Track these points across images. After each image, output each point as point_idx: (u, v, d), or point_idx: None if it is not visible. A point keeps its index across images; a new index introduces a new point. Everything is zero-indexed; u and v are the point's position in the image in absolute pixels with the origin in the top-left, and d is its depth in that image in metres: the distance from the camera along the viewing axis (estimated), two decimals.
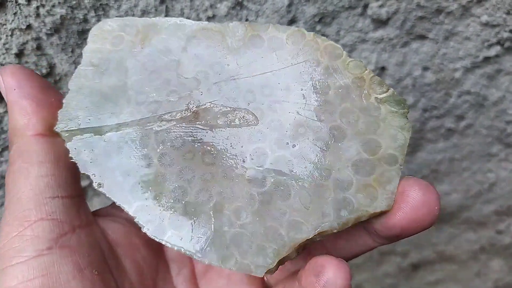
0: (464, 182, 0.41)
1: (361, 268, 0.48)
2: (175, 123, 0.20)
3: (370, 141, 0.20)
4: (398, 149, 0.19)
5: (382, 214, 0.19)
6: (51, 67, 0.28)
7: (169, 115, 0.21)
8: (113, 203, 0.21)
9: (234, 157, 0.20)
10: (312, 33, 0.21)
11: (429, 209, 0.18)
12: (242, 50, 0.21)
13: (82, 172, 0.20)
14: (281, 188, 0.20)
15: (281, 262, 0.19)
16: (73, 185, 0.21)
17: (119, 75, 0.21)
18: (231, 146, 0.20)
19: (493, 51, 0.32)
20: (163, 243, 0.19)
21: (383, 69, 0.33)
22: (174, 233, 0.19)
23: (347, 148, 0.20)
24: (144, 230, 0.19)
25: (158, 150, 0.20)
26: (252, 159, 0.20)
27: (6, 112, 0.29)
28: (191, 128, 0.20)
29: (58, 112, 0.20)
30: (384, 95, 0.20)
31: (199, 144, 0.20)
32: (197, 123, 0.20)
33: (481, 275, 0.49)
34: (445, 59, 0.32)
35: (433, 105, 0.35)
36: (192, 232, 0.19)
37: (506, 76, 0.34)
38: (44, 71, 0.27)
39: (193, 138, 0.20)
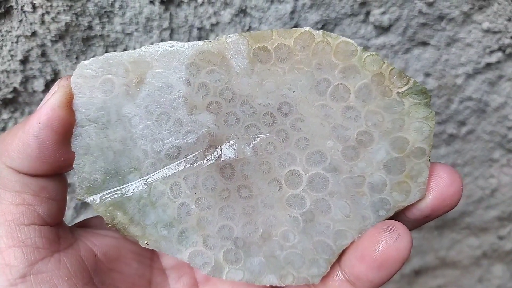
0: (466, 188, 0.41)
1: None
2: (201, 165, 0.20)
3: (398, 139, 0.20)
4: (425, 140, 0.20)
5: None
6: (56, 73, 0.28)
7: (192, 157, 0.20)
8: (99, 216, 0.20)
9: (269, 185, 0.20)
10: (321, 32, 0.19)
11: (456, 188, 0.19)
12: (249, 69, 0.19)
13: (124, 235, 0.20)
14: (321, 204, 0.20)
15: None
16: (54, 216, 0.19)
17: (124, 126, 0.20)
18: (264, 174, 0.20)
19: (494, 57, 0.32)
20: (223, 279, 0.21)
21: None
22: (231, 267, 0.21)
23: (376, 151, 0.20)
24: (203, 271, 0.21)
25: (193, 196, 0.20)
26: (288, 183, 0.20)
27: (10, 118, 0.29)
28: (220, 165, 0.20)
29: (74, 178, 0.20)
30: (406, 87, 0.19)
31: (231, 180, 0.20)
32: (223, 159, 0.20)
33: (483, 281, 0.49)
34: (447, 65, 0.33)
35: (435, 111, 0.35)
36: (247, 263, 0.21)
37: (507, 82, 0.34)
38: (48, 77, 0.28)
39: (224, 177, 0.20)
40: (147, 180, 0.20)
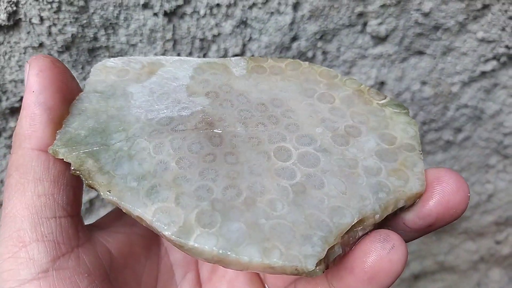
0: None
1: None
2: (190, 132, 0.20)
3: (385, 134, 0.21)
4: (412, 138, 0.21)
5: (416, 201, 0.19)
6: None
7: (182, 125, 0.20)
8: (110, 213, 0.21)
9: (257, 155, 0.19)
10: (307, 62, 0.23)
11: (463, 195, 0.18)
12: (247, 75, 0.23)
13: (86, 182, 0.18)
14: (313, 178, 0.19)
15: (327, 258, 0.17)
16: (72, 204, 0.19)
17: (125, 98, 0.21)
18: (252, 147, 0.20)
19: (489, 66, 0.33)
20: (190, 245, 0.17)
21: (382, 83, 0.34)
22: (204, 231, 0.17)
23: (366, 141, 0.20)
24: (165, 233, 0.17)
25: (175, 155, 0.19)
26: (277, 156, 0.19)
27: None
28: (209, 133, 0.20)
29: (57, 132, 0.19)
30: (384, 101, 0.22)
31: (218, 146, 0.19)
32: (214, 130, 0.20)
33: (481, 285, 0.49)
34: (443, 73, 0.33)
35: (431, 118, 0.36)
36: (224, 228, 0.17)
37: (502, 90, 0.34)
38: None
39: (211, 142, 0.19)
40: (131, 138, 0.19)
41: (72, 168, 0.18)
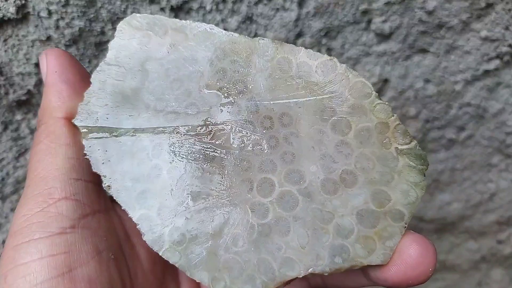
0: (465, 192, 0.42)
1: None
2: (189, 137, 0.20)
3: (381, 192, 0.19)
4: (407, 206, 0.19)
5: (376, 265, 0.19)
6: None
7: (185, 128, 0.20)
8: None
9: (241, 183, 0.20)
10: (344, 65, 0.20)
11: (424, 269, 0.18)
12: (268, 72, 0.20)
13: (94, 170, 0.20)
14: (282, 223, 0.19)
15: None
16: (95, 172, 0.21)
17: (141, 77, 0.21)
18: (241, 171, 0.20)
19: (492, 65, 0.33)
20: (160, 254, 0.20)
21: (386, 81, 0.34)
22: (172, 247, 0.19)
23: (356, 195, 0.19)
24: (144, 238, 0.20)
25: (169, 162, 0.20)
26: (259, 188, 0.20)
27: (23, 119, 0.30)
28: (205, 145, 0.20)
29: (79, 104, 0.20)
30: (406, 146, 0.19)
31: (209, 163, 0.20)
32: (211, 141, 0.20)
33: (483, 285, 0.49)
34: (446, 72, 0.33)
35: (434, 116, 0.36)
36: (188, 249, 0.19)
37: (505, 89, 0.35)
38: None
39: (204, 156, 0.20)
40: (137, 131, 0.20)
41: (84, 153, 0.20)
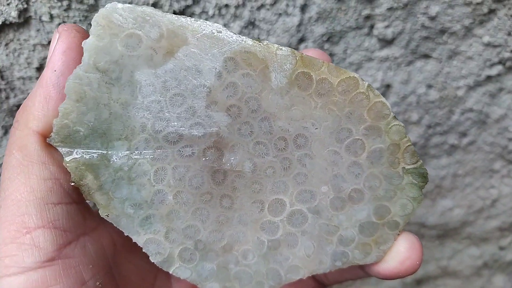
0: (467, 198, 0.42)
1: (366, 283, 0.48)
2: (196, 161, 0.19)
3: (382, 207, 0.20)
4: (403, 217, 0.20)
5: None
6: None
7: (190, 150, 0.19)
8: None
9: (252, 205, 0.20)
10: (366, 83, 0.19)
11: (411, 263, 0.20)
12: (285, 89, 0.18)
13: (86, 197, 0.18)
14: (290, 238, 0.20)
15: None
16: (79, 191, 0.18)
17: (132, 90, 0.18)
18: (252, 193, 0.20)
19: (494, 70, 0.33)
20: (170, 272, 0.20)
21: (388, 86, 0.34)
22: (182, 265, 0.20)
23: (360, 210, 0.20)
24: (151, 259, 0.20)
25: (174, 187, 0.19)
26: (270, 209, 0.20)
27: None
28: (213, 169, 0.19)
29: (53, 121, 0.17)
30: (412, 166, 0.20)
31: (219, 187, 0.19)
32: (221, 165, 0.19)
33: None
34: (449, 77, 0.33)
35: (436, 122, 0.36)
36: (199, 266, 0.20)
37: (507, 95, 0.35)
38: None
39: (213, 181, 0.19)
40: (134, 155, 0.18)
41: (72, 180, 0.18)
